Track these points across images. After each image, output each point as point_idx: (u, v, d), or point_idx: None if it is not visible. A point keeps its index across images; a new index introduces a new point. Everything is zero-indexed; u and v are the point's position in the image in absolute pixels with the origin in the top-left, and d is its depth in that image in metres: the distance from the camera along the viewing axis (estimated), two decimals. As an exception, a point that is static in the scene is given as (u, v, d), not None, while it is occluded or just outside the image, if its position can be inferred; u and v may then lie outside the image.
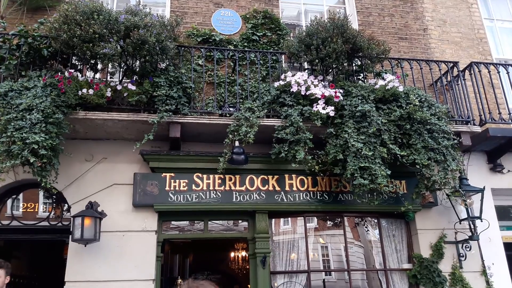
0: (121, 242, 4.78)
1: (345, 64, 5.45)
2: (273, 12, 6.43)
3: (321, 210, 5.28)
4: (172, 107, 4.72)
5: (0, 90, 4.35)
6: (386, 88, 5.01)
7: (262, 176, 5.15)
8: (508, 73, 5.82)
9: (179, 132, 4.83)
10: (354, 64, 5.66)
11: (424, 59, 6.29)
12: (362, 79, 5.66)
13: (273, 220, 5.34)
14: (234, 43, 6.00)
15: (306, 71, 5.48)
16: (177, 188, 5.01)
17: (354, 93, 5.03)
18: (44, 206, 5.21)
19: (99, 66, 5.11)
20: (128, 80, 4.84)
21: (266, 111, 5.01)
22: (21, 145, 4.05)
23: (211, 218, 5.23)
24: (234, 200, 5.05)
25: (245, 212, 5.14)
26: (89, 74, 5.18)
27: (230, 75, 5.66)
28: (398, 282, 5.36)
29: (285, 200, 5.13)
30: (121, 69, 5.01)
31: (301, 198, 5.17)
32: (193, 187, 5.04)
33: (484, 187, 5.28)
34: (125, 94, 4.67)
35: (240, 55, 5.57)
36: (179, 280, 5.92)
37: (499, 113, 5.70)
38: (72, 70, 4.72)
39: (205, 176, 5.09)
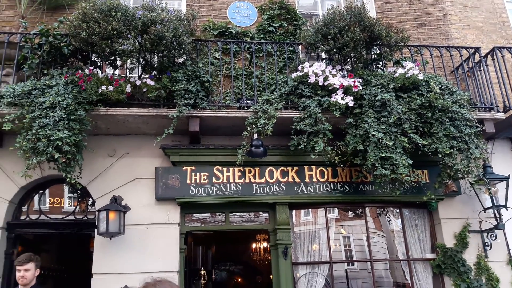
0: (145, 234, 4.87)
1: (363, 53, 5.38)
2: (289, 2, 6.38)
3: (342, 201, 5.26)
4: (190, 101, 4.76)
5: (24, 89, 4.47)
6: (406, 76, 4.93)
7: (281, 168, 5.16)
8: (533, 57, 5.65)
9: (198, 126, 4.87)
10: (372, 53, 5.59)
11: (444, 45, 6.16)
12: (381, 67, 5.58)
13: (294, 211, 5.36)
14: (251, 35, 5.99)
15: (324, 61, 5.43)
16: (198, 181, 5.07)
17: (373, 82, 4.97)
18: (69, 201, 5.35)
19: (118, 63, 5.19)
20: (147, 76, 4.89)
21: (284, 102, 4.99)
22: (46, 142, 4.16)
23: (232, 210, 5.27)
24: (254, 192, 5.08)
25: (265, 204, 5.17)
26: (109, 70, 5.27)
27: (247, 67, 5.66)
28: (422, 271, 5.31)
29: (305, 192, 5.13)
30: (140, 65, 5.07)
31: (321, 189, 5.16)
32: (214, 180, 5.09)
33: (509, 175, 5.16)
34: (144, 90, 4.73)
35: (256, 47, 5.56)
36: (203, 271, 6.01)
37: (524, 99, 5.54)
38: (92, 67, 4.80)
39: (225, 169, 5.13)
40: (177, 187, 5.03)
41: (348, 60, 5.44)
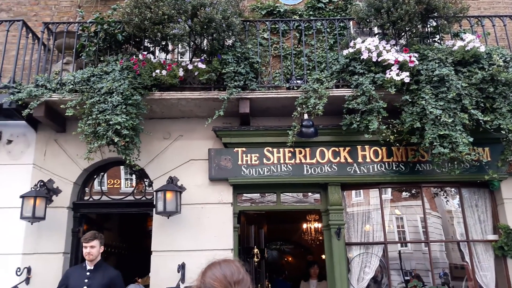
0: (200, 214, 5.03)
1: (419, 26, 5.12)
2: (338, -24, 6.16)
3: (397, 181, 5.12)
4: (240, 83, 4.78)
5: (84, 76, 4.69)
6: (466, 49, 4.65)
7: (333, 148, 5.09)
8: None
9: (248, 107, 4.89)
10: (428, 26, 5.29)
11: (508, 14, 5.70)
12: (438, 41, 5.29)
13: (346, 192, 5.29)
14: (299, 12, 5.87)
15: (377, 36, 5.23)
16: (249, 162, 5.13)
17: (430, 57, 4.73)
18: (126, 182, 5.60)
19: (170, 47, 5.29)
20: (197, 59, 4.96)
21: (335, 81, 4.88)
22: (105, 127, 4.37)
23: (283, 191, 5.30)
24: (305, 173, 5.06)
25: (316, 184, 5.14)
26: (161, 56, 5.38)
27: (296, 46, 5.57)
28: (483, 253, 5.09)
29: (358, 172, 5.03)
30: (190, 49, 5.14)
31: (376, 170, 5.05)
32: (264, 161, 5.12)
33: None
34: (195, 73, 4.81)
35: (305, 25, 5.44)
36: (256, 250, 6.14)
37: None
38: (145, 53, 4.93)
39: (275, 150, 5.14)
40: (229, 168, 5.12)
41: (403, 34, 5.19)
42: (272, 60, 5.49)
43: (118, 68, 4.69)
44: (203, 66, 4.78)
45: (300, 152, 5.10)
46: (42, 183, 5.03)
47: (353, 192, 5.38)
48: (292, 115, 4.73)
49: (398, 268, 5.21)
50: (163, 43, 5.16)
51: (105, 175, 5.54)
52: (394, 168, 5.06)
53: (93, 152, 4.47)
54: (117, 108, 4.43)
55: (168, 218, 4.89)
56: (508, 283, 4.89)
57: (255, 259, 6.15)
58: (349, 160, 5.06)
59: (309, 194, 5.40)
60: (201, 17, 4.49)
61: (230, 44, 5.00)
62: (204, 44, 5.10)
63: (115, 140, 4.34)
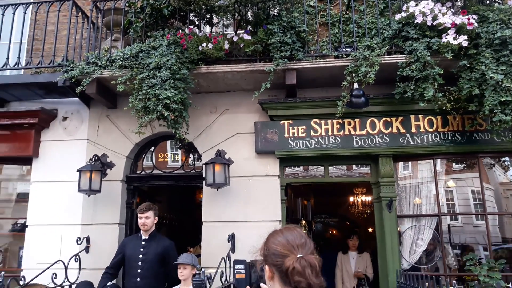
0: (248, 186, 5.07)
1: (478, -15, 4.74)
2: None
3: (453, 151, 4.88)
4: (286, 53, 4.67)
5: (132, 52, 4.76)
6: (532, 7, 4.27)
7: (384, 119, 4.91)
8: None
9: (295, 78, 4.79)
10: (489, -16, 4.90)
11: None
12: (499, 1, 4.89)
13: (398, 163, 5.13)
14: (347, -23, 5.59)
15: (431, -2, 4.90)
16: (295, 135, 5.07)
17: (491, 18, 4.40)
18: (172, 156, 5.71)
19: (215, 20, 5.23)
20: (242, 31, 4.88)
21: (387, 47, 4.66)
22: (155, 101, 4.43)
23: (331, 163, 5.21)
24: (354, 144, 4.94)
25: (367, 156, 5.01)
26: (206, 29, 5.36)
27: (344, 12, 5.34)
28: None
29: (412, 143, 4.84)
30: (235, 21, 5.06)
31: (430, 140, 4.83)
32: (312, 133, 5.04)
33: None
34: (241, 46, 4.74)
35: (354, -10, 5.18)
36: (303, 222, 6.15)
37: None
38: (191, 26, 4.91)
39: (323, 121, 5.04)
40: (275, 141, 5.09)
41: (460, -5, 4.85)
42: (319, 28, 5.31)
43: (165, 43, 4.71)
44: (248, 37, 4.70)
45: (350, 123, 4.97)
46: (96, 158, 5.23)
47: (408, 163, 5.20)
48: (341, 85, 4.58)
49: (448, 242, 5.04)
50: (208, 16, 5.11)
51: (153, 149, 5.67)
52: (449, 138, 4.82)
53: (144, 126, 4.56)
54: (165, 82, 4.47)
55: (217, 190, 4.96)
56: None
57: (303, 231, 6.16)
58: (402, 130, 4.87)
59: (360, 166, 5.28)
60: (246, -13, 4.38)
61: (276, 13, 4.88)
62: (249, 15, 5.01)
63: (165, 115, 4.40)
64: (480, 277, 4.27)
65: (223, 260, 4.21)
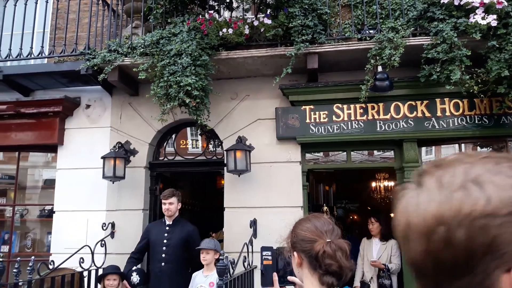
0: (270, 172, 5.06)
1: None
2: None
3: (480, 135, 4.74)
4: (308, 37, 4.59)
5: (153, 39, 4.76)
6: None
7: (409, 102, 4.80)
8: None
9: (316, 63, 4.72)
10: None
11: None
12: (531, -23, 4.66)
13: (423, 148, 5.02)
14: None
15: (458, -24, 4.72)
16: (317, 120, 5.01)
17: (522, -4, 4.21)
18: (193, 143, 5.74)
19: (234, 4, 5.17)
20: (262, 15, 4.81)
21: (412, 29, 4.53)
22: (176, 88, 4.44)
23: (353, 149, 5.14)
24: (378, 129, 4.86)
25: (390, 141, 4.92)
26: (226, 14, 5.31)
27: (367, -7, 5.20)
28: None
29: (437, 127, 4.73)
30: (255, 4, 4.99)
31: (456, 124, 4.71)
32: (334, 118, 4.97)
33: None
34: (261, 30, 4.69)
35: (377, -30, 5.03)
36: (325, 208, 6.13)
37: None
38: (211, 11, 4.87)
39: (345, 106, 4.96)
40: (296, 126, 5.05)
41: (489, -28, 4.64)
42: (342, 10, 5.19)
43: (186, 29, 4.68)
44: (269, 21, 4.63)
45: (373, 108, 4.88)
46: (120, 145, 5.30)
47: (428, 148, 5.10)
48: (365, 68, 4.49)
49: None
50: (228, 0, 5.05)
51: (173, 136, 5.70)
52: (476, 122, 4.69)
53: (166, 113, 4.58)
54: (186, 69, 4.46)
55: (239, 176, 4.97)
56: None
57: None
58: (427, 114, 4.76)
59: (380, 152, 5.20)
60: (266, -31, 4.30)
61: (297, -4, 4.78)
62: (269, -2, 4.92)
63: (187, 101, 4.41)
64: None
65: (245, 245, 4.24)
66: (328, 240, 1.45)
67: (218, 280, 3.36)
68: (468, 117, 4.70)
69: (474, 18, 4.18)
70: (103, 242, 5.03)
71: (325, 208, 6.14)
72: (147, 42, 4.77)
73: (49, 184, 5.90)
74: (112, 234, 5.22)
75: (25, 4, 5.35)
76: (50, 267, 4.10)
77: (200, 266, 4.14)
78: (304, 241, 1.49)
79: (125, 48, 4.95)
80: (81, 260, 4.40)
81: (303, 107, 5.06)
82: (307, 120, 5.03)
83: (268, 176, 5.06)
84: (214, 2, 5.12)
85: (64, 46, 5.23)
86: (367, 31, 4.73)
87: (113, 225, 5.24)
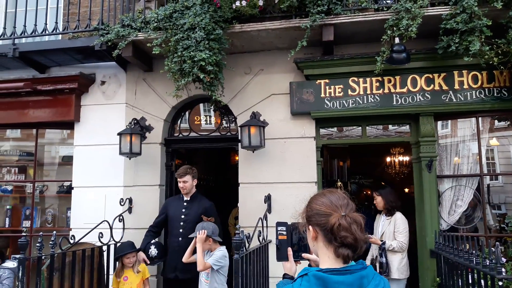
0: (284, 148, 5.06)
1: None
2: None
3: (498, 108, 4.65)
4: (324, 8, 4.49)
5: (166, 13, 4.71)
6: None
7: (426, 75, 4.71)
8: None
9: (332, 35, 4.63)
10: None
11: None
12: None
13: (439, 122, 4.95)
14: None
15: None
16: (332, 95, 4.96)
17: (547, -39, 4.03)
18: (207, 119, 5.73)
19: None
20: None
21: (430, -2, 4.40)
22: (190, 63, 4.41)
23: (369, 123, 5.10)
24: (394, 103, 4.79)
25: (406, 115, 4.86)
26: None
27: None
28: None
29: (454, 100, 4.64)
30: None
31: (474, 97, 4.61)
32: (349, 92, 4.92)
33: None
34: (276, 1, 4.60)
35: None
36: (339, 183, 6.13)
37: None
38: (224, -16, 4.78)
39: (361, 80, 4.89)
40: (311, 101, 5.01)
41: None
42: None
43: (199, 2, 4.61)
44: (283, -8, 4.54)
45: (389, 81, 4.80)
46: (135, 121, 5.34)
47: (444, 122, 5.02)
48: (381, 40, 4.39)
49: (487, 202, 4.88)
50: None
51: (186, 112, 5.70)
52: (495, 95, 4.58)
53: (181, 89, 4.57)
54: (200, 44, 4.42)
55: (253, 152, 4.99)
56: None
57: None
58: (444, 87, 4.67)
59: (396, 126, 5.14)
60: None
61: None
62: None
63: (201, 77, 4.39)
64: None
65: (260, 220, 4.29)
66: (343, 214, 1.48)
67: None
68: (486, 89, 4.60)
69: (496, -14, 4.03)
70: (121, 217, 5.14)
71: (339, 183, 6.13)
72: (161, 16, 4.72)
73: (66, 160, 6.01)
74: (129, 210, 5.32)
75: (38, -20, 5.33)
76: (71, 241, 4.22)
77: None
78: (319, 215, 1.52)
79: (138, 22, 4.91)
80: (100, 235, 4.51)
81: (318, 81, 5.00)
82: (322, 95, 4.98)
83: (282, 152, 5.07)
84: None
85: (78, 21, 5.22)
86: (384, 1, 4.61)
87: (130, 200, 5.34)
